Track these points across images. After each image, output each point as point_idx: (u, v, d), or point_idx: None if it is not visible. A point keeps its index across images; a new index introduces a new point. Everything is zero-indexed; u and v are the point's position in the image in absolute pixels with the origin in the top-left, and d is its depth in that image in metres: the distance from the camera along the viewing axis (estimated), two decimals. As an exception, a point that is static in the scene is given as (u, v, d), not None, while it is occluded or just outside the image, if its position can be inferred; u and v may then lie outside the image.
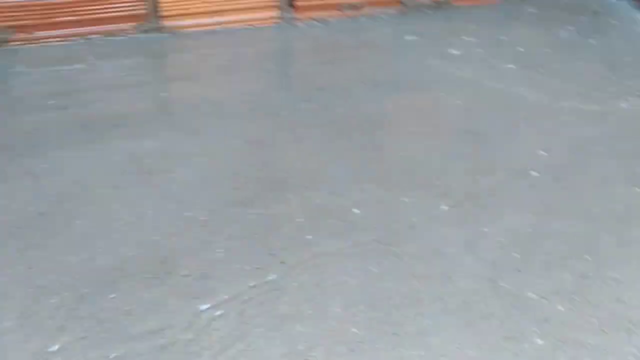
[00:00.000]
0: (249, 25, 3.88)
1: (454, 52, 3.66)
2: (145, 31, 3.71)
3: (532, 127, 2.91)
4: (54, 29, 3.52)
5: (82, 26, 3.57)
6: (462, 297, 1.95)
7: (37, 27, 3.49)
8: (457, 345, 1.78)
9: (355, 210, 2.30)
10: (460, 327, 1.84)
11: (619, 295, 1.99)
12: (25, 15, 3.45)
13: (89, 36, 3.59)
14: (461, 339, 1.80)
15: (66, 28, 3.54)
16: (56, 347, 1.69)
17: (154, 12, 3.69)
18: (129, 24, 3.68)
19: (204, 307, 1.85)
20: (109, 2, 3.58)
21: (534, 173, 2.58)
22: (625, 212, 2.39)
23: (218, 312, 1.83)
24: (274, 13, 3.89)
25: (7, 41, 3.45)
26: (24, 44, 3.47)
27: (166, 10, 3.69)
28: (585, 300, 1.97)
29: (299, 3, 3.90)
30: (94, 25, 3.60)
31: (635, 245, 2.21)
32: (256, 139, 2.68)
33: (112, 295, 1.87)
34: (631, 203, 2.44)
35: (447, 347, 1.78)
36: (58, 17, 3.51)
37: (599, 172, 2.61)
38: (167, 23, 3.75)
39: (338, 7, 4.03)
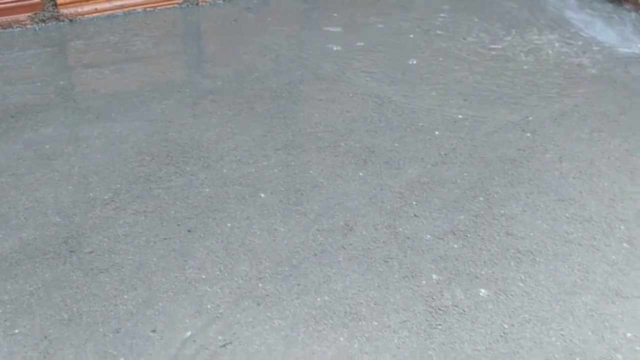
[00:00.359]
0: (152, 7, 3.83)
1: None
2: (42, 21, 3.60)
3: (427, 85, 3.03)
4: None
5: (-28, 19, 3.43)
6: (363, 244, 2.04)
7: None
8: (359, 288, 1.87)
9: (261, 175, 2.35)
10: (361, 272, 1.93)
11: (508, 229, 2.13)
12: None
13: (-19, 29, 3.46)
14: (363, 283, 1.89)
15: (-45, 22, 3.39)
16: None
17: (50, 0, 3.59)
18: (25, 14, 3.56)
19: (110, 279, 1.86)
20: (-1, -8, 3.45)
21: (430, 126, 2.70)
22: (516, 155, 2.54)
23: (123, 286, 1.85)
24: (175, -6, 3.85)
25: None
26: None
27: (62, -2, 3.59)
28: (477, 236, 2.10)
29: (199, -17, 3.87)
30: (-15, 17, 3.46)
31: (524, 184, 2.36)
32: (159, 118, 2.68)
33: (14, 278, 1.85)
34: (521, 146, 2.60)
35: (350, 291, 1.86)
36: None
37: (493, 120, 2.76)
38: (64, 11, 3.65)
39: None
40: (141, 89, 2.91)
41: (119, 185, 2.26)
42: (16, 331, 1.68)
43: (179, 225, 2.09)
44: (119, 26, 3.56)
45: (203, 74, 3.08)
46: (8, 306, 1.76)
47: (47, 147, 2.46)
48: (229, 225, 2.10)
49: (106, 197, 2.20)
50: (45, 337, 1.67)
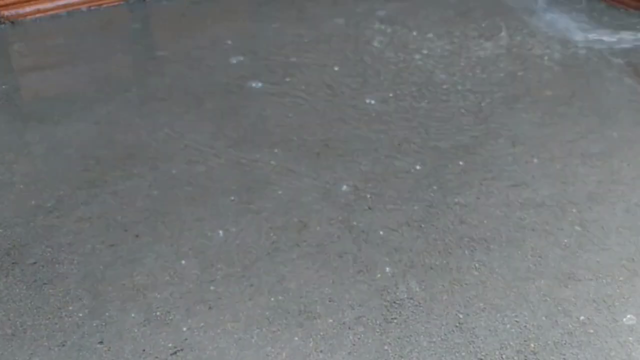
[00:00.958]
0: (97, 5, 3.71)
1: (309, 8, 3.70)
2: (-19, 23, 3.46)
3: (381, 76, 3.01)
4: None
5: None
6: (317, 240, 2.01)
7: None
8: (314, 286, 1.84)
9: (211, 175, 2.29)
10: (316, 269, 1.90)
11: (462, 218, 2.12)
12: None
13: None
14: (317, 280, 1.86)
15: None
16: None
17: (-12, 1, 3.44)
18: (-39, 17, 3.42)
19: (54, 291, 1.78)
20: None
21: (384, 117, 2.68)
22: (470, 141, 2.54)
23: (68, 297, 1.77)
24: (120, -9, 3.74)
25: None
26: None
27: (1, -1, 3.45)
28: (432, 226, 2.08)
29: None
30: None
31: (477, 172, 2.36)
32: (105, 120, 2.59)
33: (-49, 296, 1.76)
34: (475, 133, 2.59)
35: (304, 289, 1.83)
36: None
37: (447, 108, 2.75)
38: (5, 12, 3.51)
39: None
40: (86, 91, 2.82)
41: (62, 192, 2.18)
42: (-47, 352, 1.60)
43: (126, 230, 2.02)
44: (63, 26, 3.44)
45: (151, 71, 2.99)
46: (-55, 325, 1.68)
47: (-14, 155, 2.35)
48: (178, 228, 2.04)
49: (49, 204, 2.12)
50: (-15, 356, 1.59)
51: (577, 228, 2.08)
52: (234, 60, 3.09)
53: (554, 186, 2.28)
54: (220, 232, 2.04)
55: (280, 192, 2.23)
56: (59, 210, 2.09)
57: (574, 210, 2.16)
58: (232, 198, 2.19)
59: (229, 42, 3.28)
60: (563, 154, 2.46)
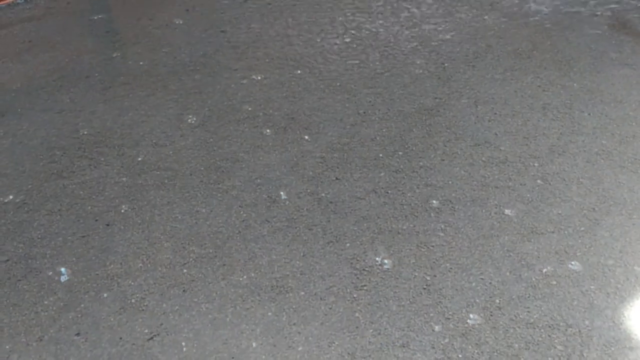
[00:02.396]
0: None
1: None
2: None
3: (345, 44, 3.00)
4: None
5: None
6: (287, 215, 2.04)
7: None
8: (285, 260, 1.88)
9: (179, 157, 2.30)
10: (286, 243, 1.93)
11: (427, 181, 2.16)
12: None
13: None
14: (288, 254, 1.90)
15: None
16: None
17: (-63, -7, 3.35)
18: None
19: (28, 286, 1.81)
20: None
21: (349, 86, 2.68)
22: (433, 104, 2.56)
23: (43, 292, 1.80)
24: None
25: None
26: None
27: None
28: (398, 192, 2.12)
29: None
30: None
31: (441, 133, 2.39)
32: (68, 108, 2.58)
33: None
34: (438, 94, 2.61)
35: (275, 264, 1.87)
36: None
37: (410, 72, 2.76)
38: (-44, 3, 3.42)
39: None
40: (47, 79, 2.78)
41: (30, 186, 2.18)
42: None
43: (96, 220, 2.03)
44: (20, 14, 3.37)
45: (112, 55, 2.96)
46: None
47: (-51, 155, 2.34)
48: (149, 213, 2.06)
49: (18, 200, 2.12)
50: (-36, 357, 1.62)
51: (539, 182, 2.13)
52: (195, 38, 3.06)
53: (516, 142, 2.32)
54: (190, 214, 2.06)
55: (248, 170, 2.25)
56: (28, 204, 2.10)
57: (536, 165, 2.20)
58: (201, 179, 2.21)
59: (189, 18, 3.24)
60: (524, 109, 2.50)
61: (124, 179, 2.22)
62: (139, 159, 2.31)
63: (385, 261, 1.85)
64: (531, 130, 2.38)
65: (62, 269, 1.86)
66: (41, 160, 2.31)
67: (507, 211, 2.01)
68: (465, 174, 2.18)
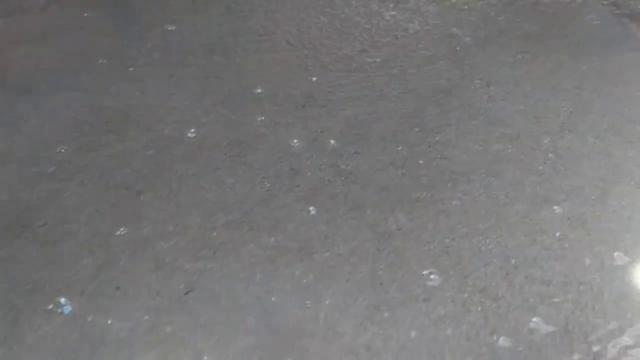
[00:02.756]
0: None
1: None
2: (-44, 2, 3.46)
3: (359, 28, 3.09)
4: None
5: None
6: (309, 185, 2.13)
7: None
8: (309, 225, 1.97)
9: (202, 133, 2.39)
10: (310, 211, 2.02)
11: (444, 154, 2.25)
12: None
13: None
14: (312, 220, 1.99)
15: None
16: None
17: (-40, -21, 3.44)
18: None
19: (67, 247, 1.89)
20: None
21: (365, 67, 2.77)
22: (447, 84, 2.65)
23: (81, 252, 1.89)
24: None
25: None
26: None
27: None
28: (416, 164, 2.21)
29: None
30: None
31: (455, 112, 2.48)
32: (92, 87, 2.66)
33: (-31, 259, 1.87)
34: (451, 76, 2.71)
35: (300, 228, 1.96)
36: None
37: (423, 54, 2.85)
38: (-22, -11, 3.51)
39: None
40: (70, 60, 2.87)
41: (61, 158, 2.27)
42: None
43: (127, 189, 2.12)
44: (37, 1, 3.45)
45: (132, 37, 3.05)
46: (-33, 286, 1.79)
47: (-18, 128, 2.43)
48: (176, 184, 2.15)
49: (50, 170, 2.21)
50: (12, 308, 1.71)
51: (551, 155, 2.22)
52: (214, 21, 3.15)
53: (528, 120, 2.41)
54: (217, 184, 2.15)
55: (270, 145, 2.33)
56: (61, 174, 2.19)
57: (547, 140, 2.30)
58: (225, 152, 2.30)
59: (207, 1, 3.33)
60: (535, 89, 2.59)
61: (151, 151, 2.31)
62: (164, 132, 2.40)
63: (406, 226, 1.94)
64: (542, 109, 2.48)
65: (98, 233, 1.94)
66: (70, 134, 2.39)
67: (521, 182, 2.10)
68: (479, 149, 2.27)
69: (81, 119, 2.46)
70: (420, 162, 2.22)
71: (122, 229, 1.96)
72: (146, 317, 1.68)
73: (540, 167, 2.17)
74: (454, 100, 2.54)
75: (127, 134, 2.39)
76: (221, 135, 2.38)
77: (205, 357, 1.58)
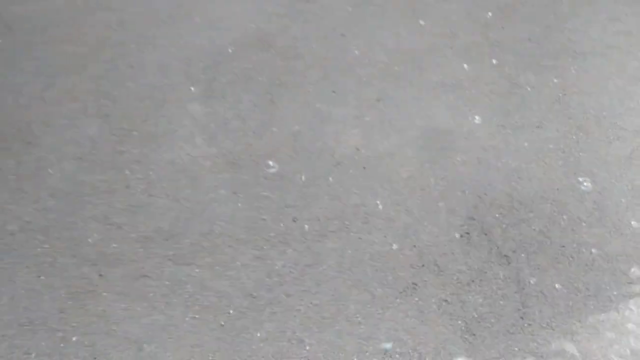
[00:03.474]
0: None
1: None
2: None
3: None
4: None
5: None
6: (464, 47, 2.92)
7: None
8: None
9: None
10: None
11: (570, 37, 2.96)
12: None
13: None
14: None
15: None
16: None
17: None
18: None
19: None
20: None
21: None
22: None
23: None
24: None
25: None
26: None
27: None
28: (546, 40, 2.94)
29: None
30: None
31: (583, 7, 3.14)
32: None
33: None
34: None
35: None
36: None
37: None
38: None
39: None
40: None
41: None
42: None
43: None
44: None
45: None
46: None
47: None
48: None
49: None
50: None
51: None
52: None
53: None
54: (392, 35, 2.96)
55: (435, 12, 3.10)
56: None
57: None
58: (401, 10, 3.09)
59: None
60: None
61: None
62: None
63: (531, 84, 2.72)
64: None
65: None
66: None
67: (624, 63, 2.80)
68: (597, 37, 2.96)
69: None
70: (551, 39, 2.94)
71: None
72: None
73: (643, 57, 2.85)
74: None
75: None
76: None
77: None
